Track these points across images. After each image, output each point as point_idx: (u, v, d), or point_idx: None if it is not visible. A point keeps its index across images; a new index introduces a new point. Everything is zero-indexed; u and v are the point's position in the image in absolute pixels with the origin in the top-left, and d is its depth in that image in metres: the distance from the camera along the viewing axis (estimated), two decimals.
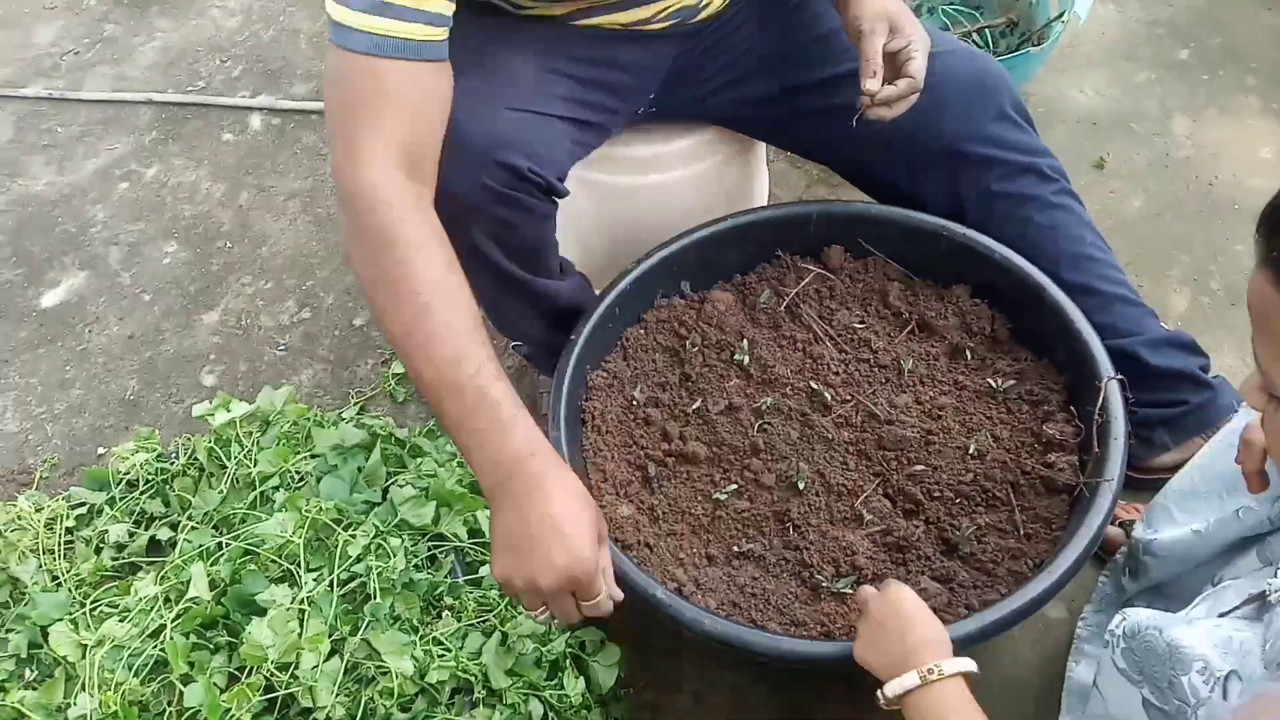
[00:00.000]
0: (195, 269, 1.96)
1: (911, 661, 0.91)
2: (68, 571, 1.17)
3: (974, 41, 2.00)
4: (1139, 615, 0.95)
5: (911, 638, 0.92)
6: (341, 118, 1.01)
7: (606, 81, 1.31)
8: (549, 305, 1.34)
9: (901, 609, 0.95)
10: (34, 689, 1.06)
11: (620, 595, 0.99)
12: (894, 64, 1.20)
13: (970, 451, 1.22)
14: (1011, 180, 1.33)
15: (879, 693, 0.93)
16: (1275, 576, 0.90)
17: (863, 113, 1.21)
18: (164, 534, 1.20)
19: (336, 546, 1.07)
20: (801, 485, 1.22)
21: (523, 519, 0.92)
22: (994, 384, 1.28)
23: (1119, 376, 1.18)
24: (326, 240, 1.97)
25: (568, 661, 1.10)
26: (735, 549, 1.20)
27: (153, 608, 1.08)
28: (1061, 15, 1.85)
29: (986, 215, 1.34)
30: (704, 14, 1.31)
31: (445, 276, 0.99)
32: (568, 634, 1.11)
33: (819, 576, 1.15)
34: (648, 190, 1.55)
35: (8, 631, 1.13)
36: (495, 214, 1.17)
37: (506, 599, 1.09)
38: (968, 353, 1.32)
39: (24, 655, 1.12)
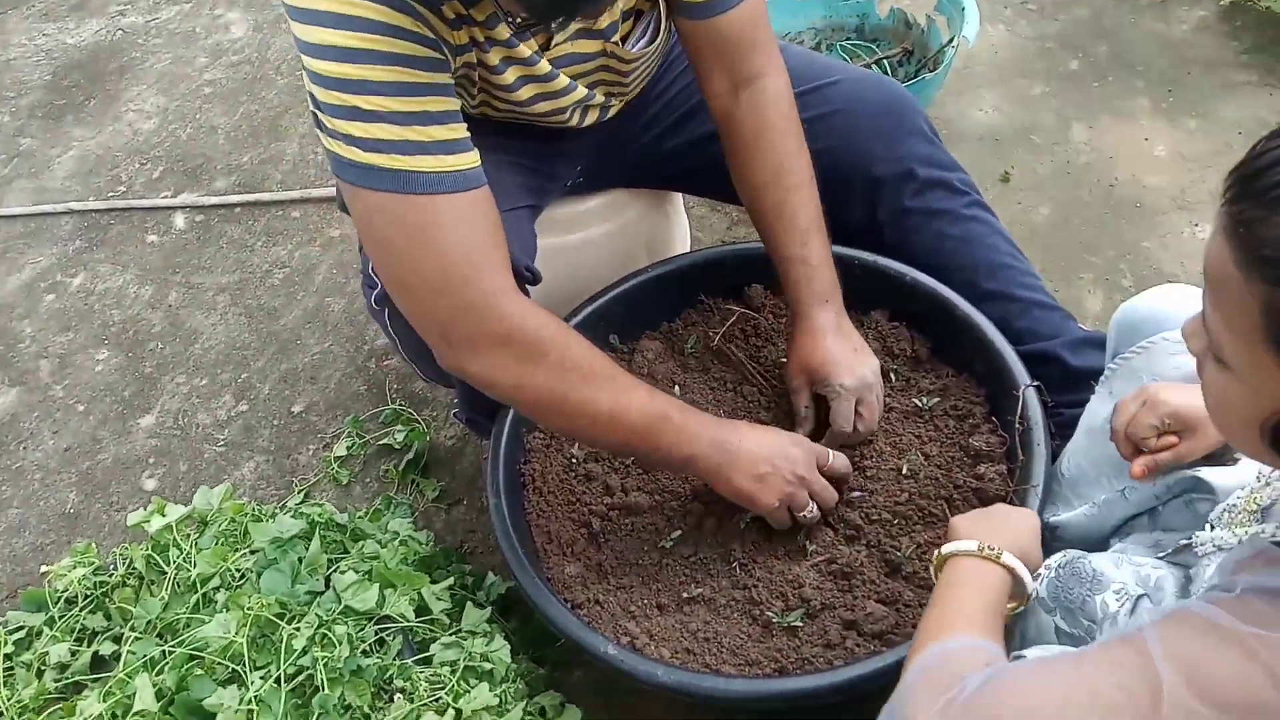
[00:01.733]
0: (128, 374, 1.94)
1: (984, 537, 0.92)
2: (9, 699, 1.15)
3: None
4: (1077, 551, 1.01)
5: (1004, 529, 0.94)
6: (450, 264, 1.00)
7: (543, 169, 1.34)
8: None
9: (1011, 515, 0.98)
10: None
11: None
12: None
13: (903, 472, 1.24)
14: (923, 196, 1.37)
15: (935, 552, 0.94)
16: (1205, 529, 0.92)
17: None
18: (107, 648, 1.19)
19: (281, 641, 1.06)
20: (743, 524, 1.23)
21: (753, 452, 1.12)
22: (919, 403, 1.31)
23: (1035, 383, 1.21)
24: (258, 330, 1.96)
25: None
26: (685, 595, 1.20)
27: None
28: (952, 40, 1.92)
29: (902, 232, 1.38)
30: (613, 111, 1.35)
31: (576, 348, 1.09)
32: (524, 701, 1.10)
33: (769, 613, 1.16)
34: (570, 250, 1.57)
35: None
36: None
37: (458, 674, 1.08)
38: (891, 375, 1.35)
39: None
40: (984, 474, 1.21)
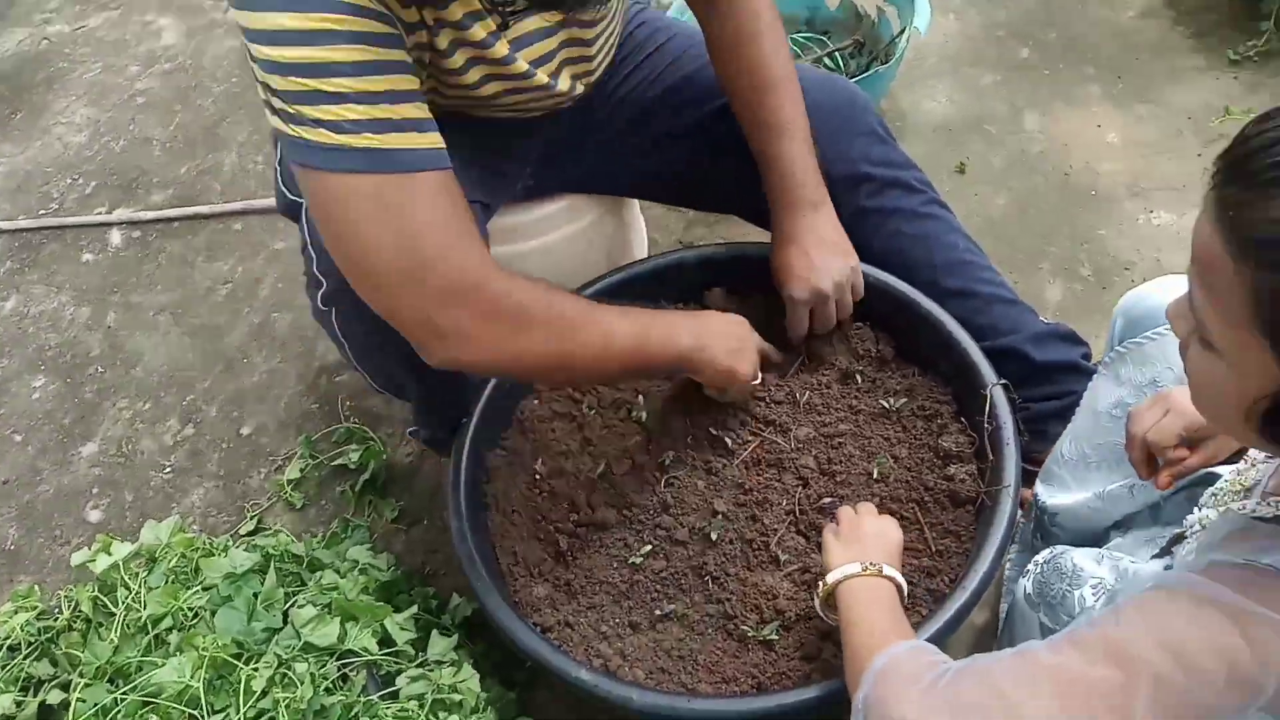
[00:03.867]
0: (67, 400, 1.86)
1: (860, 557, 0.98)
2: None
3: (825, 65, 2.05)
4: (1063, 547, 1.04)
5: (876, 543, 1.00)
6: (430, 244, 0.96)
7: (493, 165, 1.30)
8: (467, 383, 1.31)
9: (874, 527, 1.03)
10: None
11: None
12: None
13: (874, 475, 1.23)
14: (879, 195, 1.35)
15: (820, 582, 0.99)
16: (1194, 511, 0.92)
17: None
18: (55, 697, 1.12)
19: (240, 683, 1.01)
20: (715, 535, 1.21)
21: (722, 336, 1.19)
22: (887, 404, 1.29)
23: (1002, 381, 1.20)
24: (203, 350, 1.90)
25: None
26: (657, 612, 1.17)
27: None
28: (904, 31, 1.91)
29: (860, 232, 1.35)
30: (580, 91, 1.30)
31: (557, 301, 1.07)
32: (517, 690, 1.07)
33: (744, 626, 1.14)
34: (527, 257, 1.53)
35: None
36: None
37: (426, 708, 1.04)
38: (858, 376, 1.33)
39: None
40: (954, 475, 1.19)
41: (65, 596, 1.21)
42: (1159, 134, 1.89)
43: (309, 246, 1.17)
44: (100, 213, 2.20)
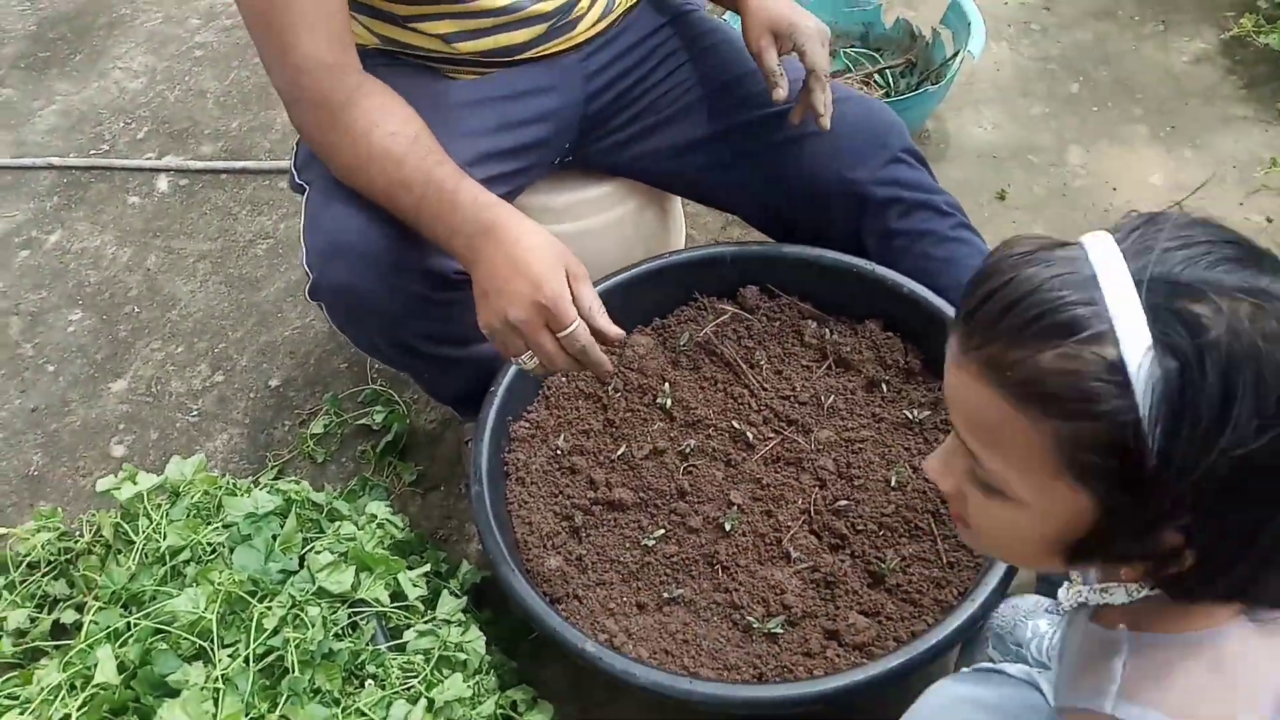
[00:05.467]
0: (101, 336, 1.89)
1: None
2: None
3: (875, 82, 2.06)
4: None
5: None
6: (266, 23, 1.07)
7: (524, 141, 1.32)
8: (485, 366, 1.32)
9: None
10: None
11: (615, 331, 1.04)
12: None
13: (891, 483, 1.24)
14: (908, 217, 1.36)
15: None
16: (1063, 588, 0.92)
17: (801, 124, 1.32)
18: (69, 616, 1.15)
19: (252, 620, 1.03)
20: (729, 526, 1.22)
21: (490, 265, 1.02)
22: (910, 415, 1.30)
23: None
24: (238, 301, 1.92)
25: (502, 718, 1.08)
26: (665, 595, 1.19)
27: (56, 697, 1.02)
28: (957, 54, 1.92)
29: (887, 252, 1.37)
30: (581, 27, 1.32)
31: (384, 102, 1.10)
32: (496, 694, 1.08)
33: (750, 618, 1.15)
34: (565, 239, 1.54)
35: None
36: (425, 319, 1.20)
37: (432, 663, 1.06)
38: (884, 385, 1.34)
39: None
40: None
41: (87, 521, 1.23)
42: (1202, 179, 1.89)
43: (301, 238, 1.19)
44: (150, 158, 2.24)
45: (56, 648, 1.13)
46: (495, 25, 1.24)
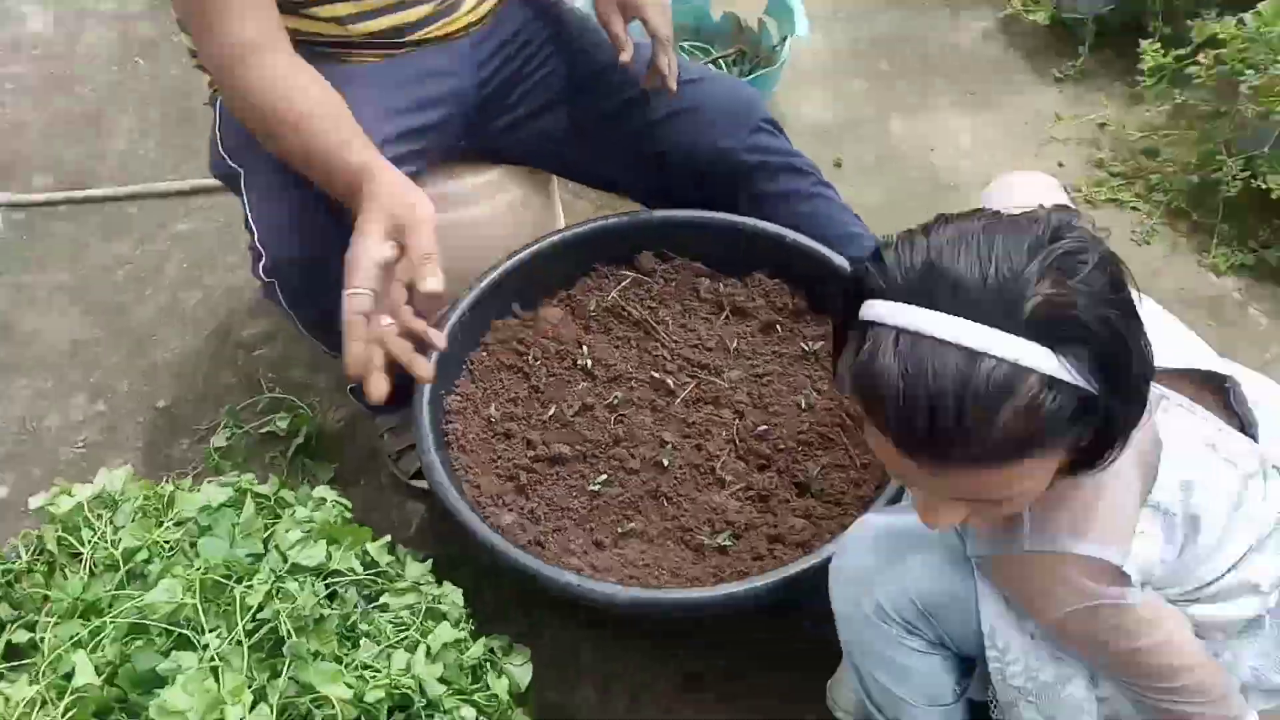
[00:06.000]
0: None
1: None
2: None
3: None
4: None
5: None
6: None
7: (426, 122, 1.38)
8: None
9: None
10: None
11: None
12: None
13: (801, 405, 1.38)
14: (774, 179, 1.52)
15: None
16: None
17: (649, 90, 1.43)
18: (21, 636, 1.10)
19: (235, 600, 1.04)
20: (666, 461, 1.32)
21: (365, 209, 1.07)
22: (805, 347, 1.45)
23: None
24: (108, 327, 1.86)
25: (486, 665, 1.13)
26: (619, 530, 1.28)
27: (33, 709, 0.99)
28: (784, 40, 2.11)
29: (759, 210, 1.52)
30: (465, 8, 1.40)
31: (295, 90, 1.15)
32: (482, 639, 1.14)
33: (700, 536, 1.26)
34: (458, 227, 1.60)
35: None
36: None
37: (419, 616, 1.10)
38: (778, 326, 1.49)
39: None
40: None
41: (21, 541, 1.19)
42: (1002, 136, 2.17)
43: (248, 220, 1.22)
44: None
45: (15, 668, 1.09)
46: (387, 6, 1.30)
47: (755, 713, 1.33)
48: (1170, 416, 0.91)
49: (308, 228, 1.17)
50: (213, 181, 2.03)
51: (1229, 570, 0.92)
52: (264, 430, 1.67)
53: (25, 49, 2.49)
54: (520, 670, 1.19)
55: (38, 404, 1.74)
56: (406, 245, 1.05)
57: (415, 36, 1.36)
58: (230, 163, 1.28)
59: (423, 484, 1.53)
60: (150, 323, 1.86)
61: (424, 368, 1.06)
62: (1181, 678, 0.89)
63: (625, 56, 1.40)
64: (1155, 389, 0.85)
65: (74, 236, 2.02)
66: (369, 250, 1.03)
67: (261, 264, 1.23)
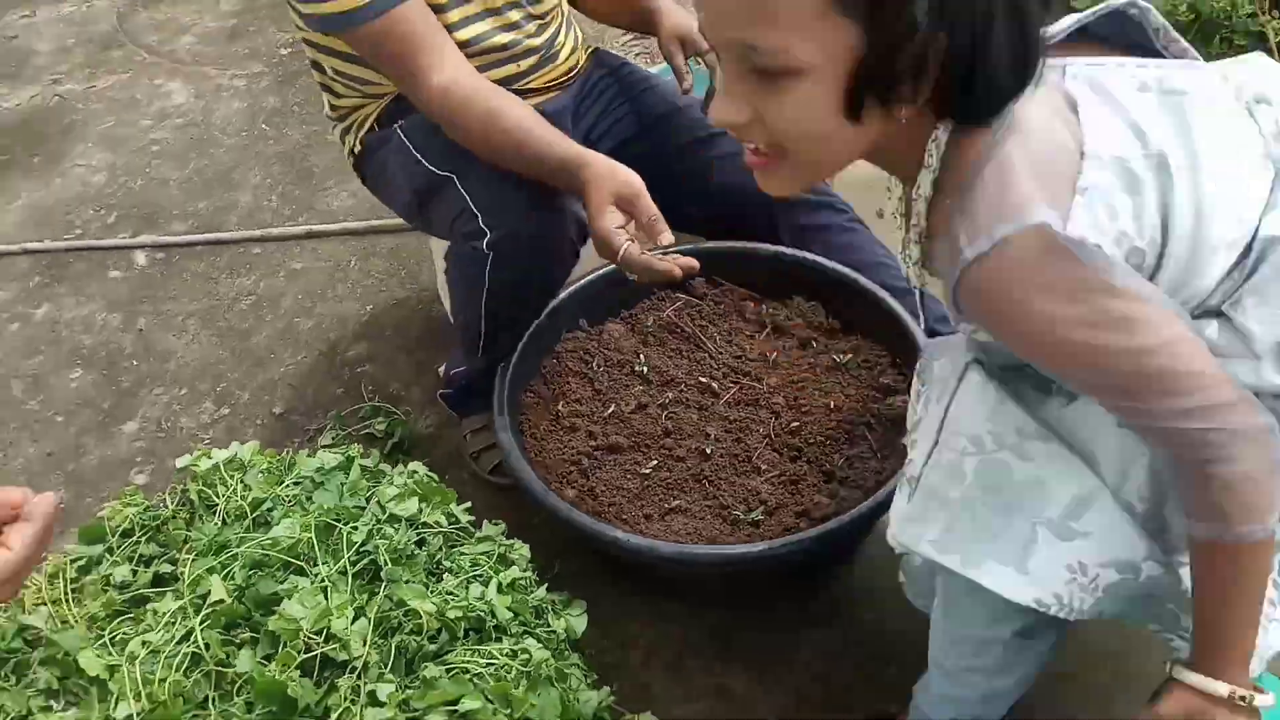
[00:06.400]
0: (104, 389, 2.07)
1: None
2: (79, 614, 1.28)
3: None
4: None
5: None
6: (401, 61, 1.44)
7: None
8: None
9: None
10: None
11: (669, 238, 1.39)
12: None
13: (830, 408, 1.56)
14: (813, 214, 1.74)
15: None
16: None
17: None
18: (166, 569, 1.33)
19: (342, 539, 1.26)
20: (709, 451, 1.52)
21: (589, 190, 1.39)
22: (837, 359, 1.64)
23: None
24: (233, 348, 2.14)
25: (547, 607, 1.32)
26: (666, 506, 1.46)
27: (178, 619, 1.22)
28: None
29: (799, 242, 1.73)
30: (562, 57, 1.68)
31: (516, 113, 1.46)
32: (545, 586, 1.33)
33: (735, 513, 1.44)
34: None
35: (32, 671, 1.22)
36: (567, 258, 1.57)
37: (495, 556, 1.30)
38: (813, 342, 1.68)
39: (53, 687, 1.21)
40: (893, 403, 1.54)
41: (169, 495, 1.43)
42: None
43: (470, 207, 1.49)
44: (124, 238, 2.44)
45: (160, 592, 1.31)
46: (501, 59, 1.58)
47: (787, 677, 1.48)
48: (1079, 81, 0.85)
49: (530, 203, 1.46)
50: (325, 226, 2.36)
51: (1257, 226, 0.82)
52: (364, 432, 1.91)
53: (170, 118, 2.87)
54: (577, 620, 1.37)
55: (171, 409, 2.02)
56: (634, 211, 1.38)
57: (520, 86, 1.62)
58: (439, 172, 1.54)
59: (500, 479, 1.75)
60: (268, 344, 2.14)
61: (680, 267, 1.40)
62: (1191, 388, 0.80)
63: (686, 85, 1.66)
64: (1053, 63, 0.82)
65: (205, 273, 2.33)
66: (607, 222, 1.37)
67: (486, 240, 1.48)
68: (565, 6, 1.70)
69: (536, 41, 1.61)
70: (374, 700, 1.12)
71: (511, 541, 1.37)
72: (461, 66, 1.47)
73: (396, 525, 1.32)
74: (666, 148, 1.73)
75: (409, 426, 1.90)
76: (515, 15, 1.58)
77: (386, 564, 1.24)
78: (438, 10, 1.48)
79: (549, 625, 1.30)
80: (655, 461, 1.52)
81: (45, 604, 1.31)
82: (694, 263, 1.42)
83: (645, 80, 1.79)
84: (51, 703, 1.22)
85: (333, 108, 1.69)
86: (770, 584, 1.54)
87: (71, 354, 2.16)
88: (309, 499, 1.37)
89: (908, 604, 1.33)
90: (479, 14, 1.54)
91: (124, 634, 1.25)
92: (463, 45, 1.51)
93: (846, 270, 1.68)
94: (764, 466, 1.50)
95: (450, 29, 1.50)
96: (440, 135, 1.50)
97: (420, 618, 1.18)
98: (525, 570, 1.35)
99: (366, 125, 1.69)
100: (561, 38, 1.68)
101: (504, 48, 1.57)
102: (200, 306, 2.25)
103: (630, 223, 1.39)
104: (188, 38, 3.25)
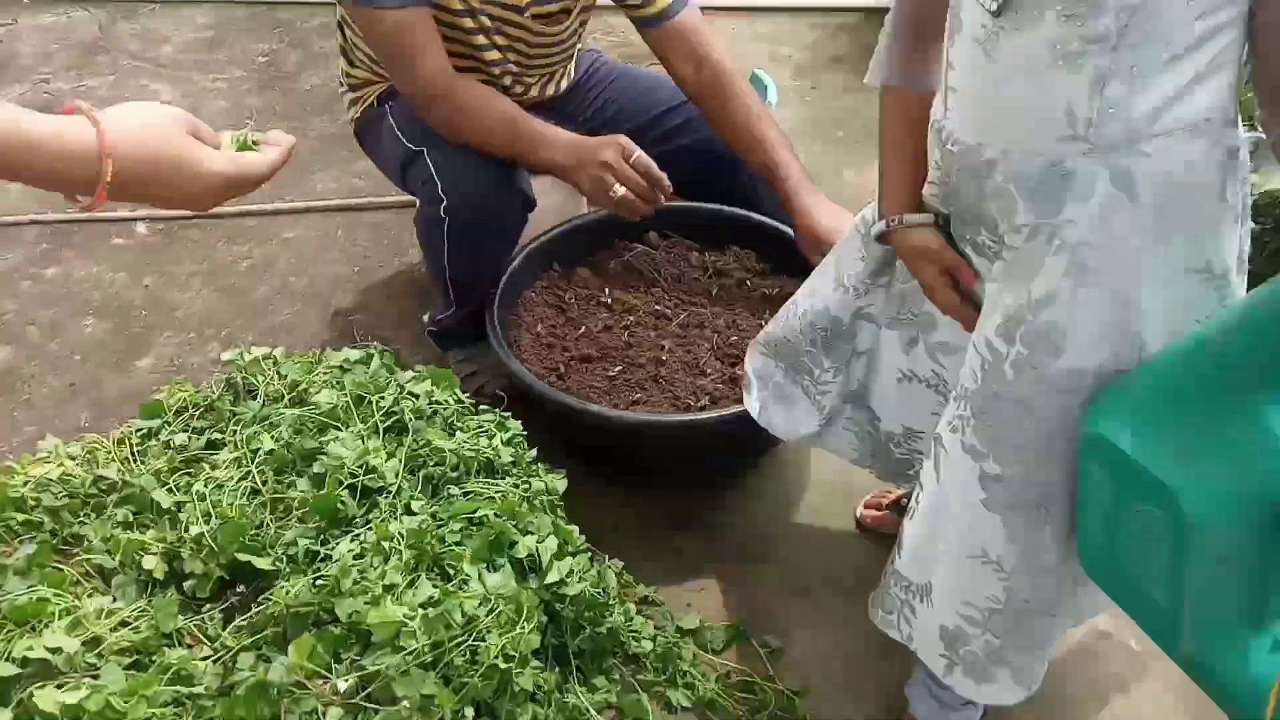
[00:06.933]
0: (117, 334, 2.31)
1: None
2: (145, 469, 1.53)
3: None
4: None
5: None
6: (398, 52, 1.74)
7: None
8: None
9: None
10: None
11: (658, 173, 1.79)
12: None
13: (762, 327, 1.91)
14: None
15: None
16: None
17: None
18: (217, 435, 1.59)
19: (372, 404, 1.55)
20: (664, 359, 1.85)
21: (576, 147, 1.78)
22: (767, 292, 2.00)
23: None
24: (233, 303, 2.40)
25: (536, 465, 1.62)
26: (630, 399, 1.79)
27: (236, 466, 1.48)
28: None
29: (749, 196, 2.09)
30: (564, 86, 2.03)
31: (494, 105, 1.81)
32: (535, 450, 1.64)
33: (688, 401, 1.77)
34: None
35: (110, 511, 1.47)
36: (516, 230, 1.89)
37: (498, 422, 1.61)
38: (747, 283, 2.04)
39: (129, 520, 1.46)
40: None
41: (214, 382, 1.70)
42: None
43: (433, 176, 1.80)
44: (125, 211, 2.69)
45: (213, 454, 1.58)
46: (520, 96, 1.95)
47: (731, 539, 1.81)
48: None
49: (482, 176, 1.77)
50: (316, 202, 2.65)
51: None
52: None
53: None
54: (559, 481, 1.67)
55: (182, 349, 2.27)
56: (633, 162, 1.76)
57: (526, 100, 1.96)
58: (413, 147, 1.85)
59: (482, 402, 2.05)
60: (267, 298, 2.41)
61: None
62: None
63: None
64: None
65: (204, 241, 2.59)
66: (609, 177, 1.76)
67: (443, 206, 1.78)
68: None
69: (549, 92, 1.99)
70: (409, 511, 1.41)
71: (507, 414, 1.67)
72: (447, 61, 1.77)
73: (415, 399, 1.61)
74: (643, 118, 2.08)
75: (401, 363, 2.18)
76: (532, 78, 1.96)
77: (411, 420, 1.53)
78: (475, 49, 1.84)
79: (538, 474, 1.60)
80: (620, 367, 1.85)
81: (115, 461, 1.56)
82: (668, 184, 1.80)
83: (613, 71, 2.15)
84: (129, 533, 1.48)
85: (346, 75, 2.00)
86: (715, 469, 1.86)
87: (84, 306, 2.39)
88: (339, 383, 1.65)
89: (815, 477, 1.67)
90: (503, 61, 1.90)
91: (187, 481, 1.52)
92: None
93: (774, 222, 2.04)
94: (709, 370, 1.84)
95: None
96: (417, 119, 1.82)
97: (444, 454, 1.47)
98: (516, 435, 1.65)
99: (369, 101, 2.01)
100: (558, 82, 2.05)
101: (506, 89, 1.93)
102: (201, 268, 2.50)
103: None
104: (168, 47, 3.52)
